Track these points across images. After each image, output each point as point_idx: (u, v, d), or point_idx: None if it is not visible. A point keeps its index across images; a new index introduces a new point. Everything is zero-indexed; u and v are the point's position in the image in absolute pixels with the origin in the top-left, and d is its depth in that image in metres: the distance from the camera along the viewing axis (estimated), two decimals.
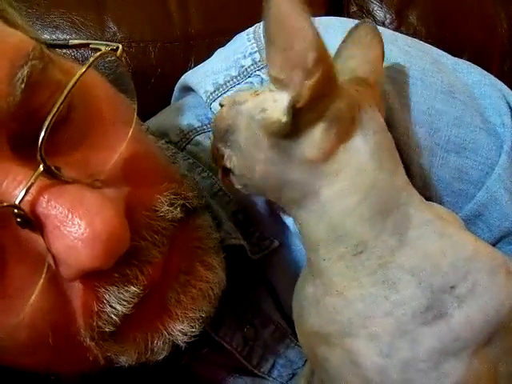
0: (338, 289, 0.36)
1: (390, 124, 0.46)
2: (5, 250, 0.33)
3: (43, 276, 0.33)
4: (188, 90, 0.55)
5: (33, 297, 0.32)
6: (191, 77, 0.54)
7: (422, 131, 0.47)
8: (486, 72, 0.53)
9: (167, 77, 0.70)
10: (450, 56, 0.53)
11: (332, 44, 0.47)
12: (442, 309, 0.35)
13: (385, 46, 0.49)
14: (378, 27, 0.48)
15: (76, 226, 0.32)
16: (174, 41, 0.71)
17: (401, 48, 0.49)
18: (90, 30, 0.70)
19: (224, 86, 0.49)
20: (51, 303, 0.34)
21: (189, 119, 0.53)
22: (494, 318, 0.35)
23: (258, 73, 0.48)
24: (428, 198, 0.47)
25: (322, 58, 0.33)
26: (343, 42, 0.42)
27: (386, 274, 0.35)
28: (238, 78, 0.49)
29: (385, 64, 0.48)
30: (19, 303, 0.33)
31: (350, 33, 0.42)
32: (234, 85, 0.49)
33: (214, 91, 0.49)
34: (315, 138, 0.34)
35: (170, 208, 0.37)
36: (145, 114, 0.55)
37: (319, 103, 0.34)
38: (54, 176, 0.32)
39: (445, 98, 0.48)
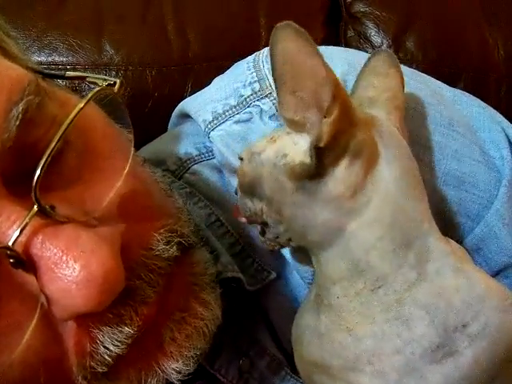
0: (349, 325, 0.35)
1: None
2: None
3: (36, 315, 0.32)
4: (186, 116, 0.54)
5: (26, 336, 0.32)
6: (189, 104, 0.53)
7: (421, 164, 0.47)
8: (485, 104, 0.53)
9: (164, 101, 0.69)
10: (449, 87, 0.53)
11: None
12: (453, 347, 0.34)
13: None
14: None
15: (70, 268, 0.31)
16: (171, 65, 0.71)
17: None
18: (87, 53, 0.69)
19: (223, 116, 0.49)
20: (44, 342, 0.34)
21: (186, 147, 0.52)
22: (502, 357, 0.35)
23: (257, 103, 0.48)
24: None
25: (338, 93, 0.32)
26: (361, 71, 0.42)
27: (401, 311, 0.34)
28: (237, 107, 0.49)
29: None
30: (11, 342, 0.32)
31: (368, 62, 0.42)
32: (233, 114, 0.49)
33: (213, 120, 0.49)
34: (340, 174, 0.34)
35: (166, 247, 0.37)
36: (141, 138, 0.54)
37: (340, 139, 0.33)
38: (48, 216, 0.32)
39: (444, 131, 0.48)
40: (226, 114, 0.49)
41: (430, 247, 0.35)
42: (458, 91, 0.53)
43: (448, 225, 0.47)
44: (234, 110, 0.49)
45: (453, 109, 0.50)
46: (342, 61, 0.49)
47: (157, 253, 0.36)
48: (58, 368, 0.35)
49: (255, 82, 0.49)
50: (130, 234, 0.35)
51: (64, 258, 0.31)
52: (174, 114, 0.58)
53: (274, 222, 0.37)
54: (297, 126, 0.34)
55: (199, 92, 0.54)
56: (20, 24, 0.68)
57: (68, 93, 0.40)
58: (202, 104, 0.51)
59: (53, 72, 0.41)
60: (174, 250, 0.37)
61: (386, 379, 0.34)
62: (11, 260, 0.31)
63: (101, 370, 0.35)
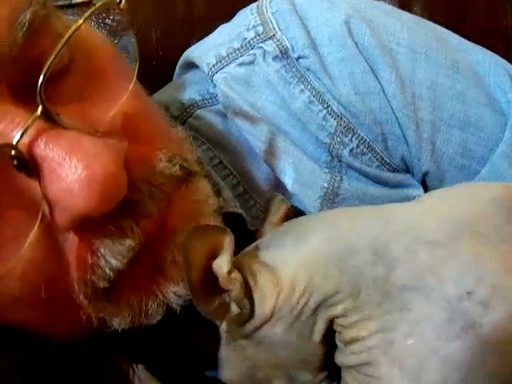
0: (355, 335, 0.35)
1: (393, 96, 0.46)
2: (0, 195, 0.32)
3: (37, 224, 0.32)
4: (190, 66, 0.54)
5: (25, 245, 0.32)
6: (193, 51, 0.53)
7: (426, 105, 0.46)
8: (491, 52, 0.52)
9: (168, 60, 0.69)
10: (454, 35, 0.52)
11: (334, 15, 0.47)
12: (468, 318, 0.32)
13: (388, 21, 0.49)
14: (382, 2, 0.48)
15: (73, 168, 0.31)
16: (176, 24, 0.71)
17: (404, 23, 0.49)
18: None
19: (226, 58, 0.49)
20: (44, 255, 0.34)
21: (190, 94, 0.52)
22: None
23: (260, 45, 0.48)
24: (434, 172, 0.47)
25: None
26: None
27: (393, 300, 0.33)
28: (241, 49, 0.49)
29: (387, 37, 0.48)
30: (11, 252, 0.32)
31: None
32: (237, 57, 0.49)
33: (216, 63, 0.49)
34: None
35: (169, 165, 0.37)
36: None
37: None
38: (52, 120, 0.32)
39: (449, 74, 0.47)
40: (230, 56, 0.49)
41: (381, 234, 0.35)
42: (462, 39, 0.52)
43: (452, 167, 0.47)
44: (237, 52, 0.49)
45: (458, 54, 0.49)
46: (346, 4, 0.49)
47: (159, 170, 0.36)
48: (59, 283, 0.35)
49: (258, 25, 0.49)
50: (132, 151, 0.35)
51: (67, 158, 0.31)
52: (178, 65, 0.58)
53: None
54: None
55: (202, 40, 0.54)
56: None
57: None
58: (205, 49, 0.51)
59: (58, 3, 0.41)
60: (176, 169, 0.37)
61: (404, 366, 0.33)
62: (15, 162, 0.31)
63: (102, 286, 0.35)
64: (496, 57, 0.52)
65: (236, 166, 0.49)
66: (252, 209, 0.48)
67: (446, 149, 0.47)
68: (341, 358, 0.36)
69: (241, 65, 0.48)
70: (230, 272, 0.35)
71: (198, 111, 0.51)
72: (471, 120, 0.47)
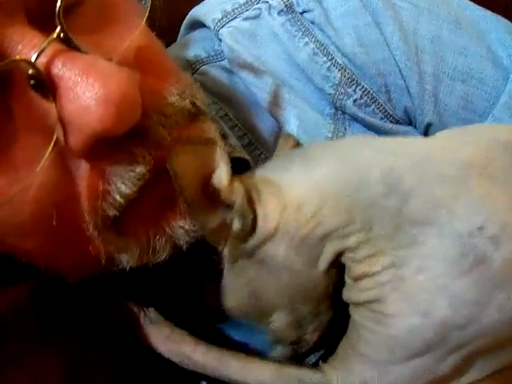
0: (365, 270, 0.34)
1: (396, 48, 0.47)
2: (15, 117, 0.33)
3: (50, 148, 0.32)
4: (194, 25, 0.55)
5: (38, 168, 0.32)
6: (198, 9, 0.54)
7: (428, 58, 0.47)
8: (491, 12, 0.53)
9: (172, 29, 0.69)
10: None
11: None
12: (479, 253, 0.32)
13: None
14: None
15: (90, 85, 0.32)
16: None
17: None
18: None
19: (232, 13, 0.50)
20: (57, 179, 0.34)
21: (195, 51, 0.53)
22: None
23: None
24: (436, 124, 0.48)
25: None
26: None
27: (405, 234, 0.33)
28: (246, 4, 0.50)
29: None
30: (24, 174, 0.33)
31: None
32: (242, 11, 0.49)
33: (222, 18, 0.50)
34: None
35: (179, 98, 0.38)
36: None
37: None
38: (69, 44, 0.33)
39: (451, 28, 0.48)
40: (235, 11, 0.50)
41: (394, 168, 0.34)
42: None
43: (454, 119, 0.48)
44: (242, 7, 0.50)
45: (460, 10, 0.50)
46: None
47: (170, 101, 0.37)
48: (70, 213, 0.35)
49: None
50: (144, 83, 0.35)
51: (84, 77, 0.32)
52: (182, 26, 0.58)
53: None
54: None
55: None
56: None
57: None
58: (211, 6, 0.52)
59: None
60: (186, 103, 0.38)
61: (414, 302, 0.33)
62: (32, 82, 0.32)
63: (111, 214, 0.36)
64: (496, 15, 0.52)
65: (241, 118, 0.50)
66: (258, 159, 0.48)
67: (449, 101, 0.47)
68: (349, 295, 0.36)
69: (246, 19, 0.49)
70: (230, 183, 0.34)
71: (204, 67, 0.52)
72: (473, 73, 0.48)
